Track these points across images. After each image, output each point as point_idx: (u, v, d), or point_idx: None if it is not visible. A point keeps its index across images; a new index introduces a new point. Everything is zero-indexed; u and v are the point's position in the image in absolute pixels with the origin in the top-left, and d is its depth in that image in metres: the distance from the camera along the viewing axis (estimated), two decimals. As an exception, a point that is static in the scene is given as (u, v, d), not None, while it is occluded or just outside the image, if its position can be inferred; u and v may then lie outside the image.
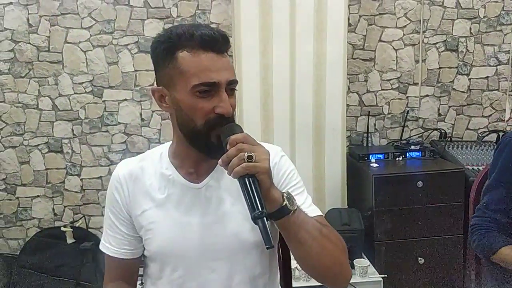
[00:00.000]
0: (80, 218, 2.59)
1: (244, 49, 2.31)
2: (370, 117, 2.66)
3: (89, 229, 2.62)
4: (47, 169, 2.58)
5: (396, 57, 2.64)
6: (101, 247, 1.10)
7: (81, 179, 2.60)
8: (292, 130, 2.45)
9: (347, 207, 2.51)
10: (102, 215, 2.57)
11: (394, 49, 2.63)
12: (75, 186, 2.60)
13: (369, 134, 2.67)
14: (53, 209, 2.63)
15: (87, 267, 2.50)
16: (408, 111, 2.69)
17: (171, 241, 1.01)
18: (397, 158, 2.46)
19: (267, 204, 0.85)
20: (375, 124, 2.71)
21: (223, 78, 0.93)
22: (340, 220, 2.30)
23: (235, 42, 2.30)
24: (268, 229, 0.81)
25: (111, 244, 1.08)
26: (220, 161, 0.87)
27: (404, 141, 2.61)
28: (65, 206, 2.63)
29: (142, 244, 1.07)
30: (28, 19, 2.42)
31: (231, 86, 0.96)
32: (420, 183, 2.21)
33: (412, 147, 2.48)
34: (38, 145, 2.55)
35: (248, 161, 0.84)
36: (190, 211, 1.02)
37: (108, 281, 1.11)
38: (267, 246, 0.80)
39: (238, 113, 2.38)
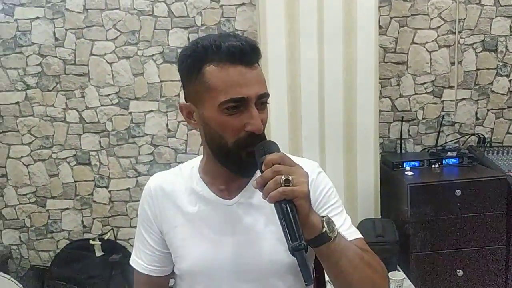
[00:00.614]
0: (109, 231, 2.63)
1: (270, 56, 2.29)
2: (403, 122, 2.59)
3: (117, 241, 2.67)
4: (75, 181, 2.64)
5: (430, 59, 2.56)
6: (131, 262, 1.09)
7: (109, 191, 2.64)
8: (322, 138, 2.41)
9: (380, 217, 2.45)
10: (131, 227, 2.65)
11: (427, 51, 2.55)
12: (103, 198, 2.65)
13: (402, 141, 2.60)
14: (82, 221, 2.68)
15: (116, 279, 2.54)
16: (443, 115, 2.61)
17: (203, 259, 0.99)
18: (433, 166, 2.39)
19: (305, 231, 0.81)
20: (409, 130, 2.64)
21: (252, 92, 0.89)
22: (373, 232, 2.25)
23: (260, 49, 2.28)
24: (307, 262, 0.76)
25: (142, 260, 1.07)
26: (254, 183, 0.83)
27: (440, 147, 2.53)
28: (93, 218, 2.68)
29: (171, 260, 1.06)
30: (54, 33, 2.48)
31: (262, 100, 0.92)
32: (458, 192, 2.13)
33: (449, 153, 2.40)
34: (67, 157, 2.61)
35: (285, 185, 0.79)
36: (221, 228, 1.00)
37: None
38: (306, 283, 0.75)
39: (265, 122, 2.36)
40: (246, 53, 0.89)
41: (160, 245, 1.06)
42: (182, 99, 2.50)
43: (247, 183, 1.00)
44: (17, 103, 2.54)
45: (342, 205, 1.03)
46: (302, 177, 0.81)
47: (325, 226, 0.83)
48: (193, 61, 0.92)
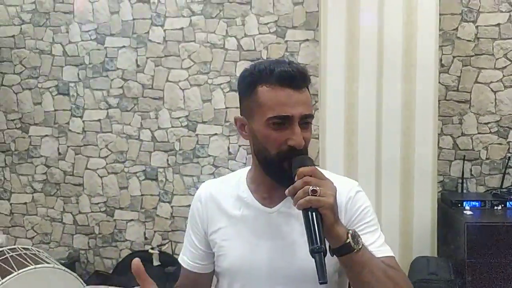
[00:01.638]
0: (167, 242, 2.87)
1: (329, 88, 2.46)
2: (465, 161, 2.62)
3: (174, 255, 2.89)
4: (142, 195, 2.94)
5: (495, 99, 2.59)
6: (179, 259, 1.25)
7: (172, 206, 2.91)
8: (378, 170, 2.50)
9: (436, 256, 2.46)
10: (188, 243, 2.86)
11: (492, 91, 2.59)
12: (166, 212, 2.92)
13: (464, 180, 2.62)
14: (145, 233, 2.95)
15: (172, 289, 2.75)
16: (510, 157, 2.60)
17: (241, 259, 1.11)
18: (495, 207, 2.37)
19: (330, 240, 0.92)
20: (471, 170, 2.65)
21: (297, 112, 1.03)
22: (427, 269, 2.26)
23: (320, 81, 2.48)
24: (324, 265, 0.87)
25: (187, 257, 1.23)
26: (287, 191, 0.96)
27: (505, 190, 2.51)
28: (155, 231, 2.94)
29: (213, 260, 1.21)
30: (137, 60, 2.86)
31: (305, 120, 1.05)
32: (519, 234, 2.12)
33: (514, 196, 2.38)
34: (137, 172, 2.93)
35: (312, 195, 0.90)
36: (261, 233, 1.11)
37: (179, 286, 1.24)
38: (320, 281, 0.86)
39: (320, 151, 2.51)
40: (294, 78, 1.04)
41: (203, 245, 1.20)
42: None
43: None
44: (99, 120, 2.93)
45: (378, 224, 1.11)
46: (329, 190, 0.93)
47: (350, 237, 0.93)
48: (250, 82, 1.09)
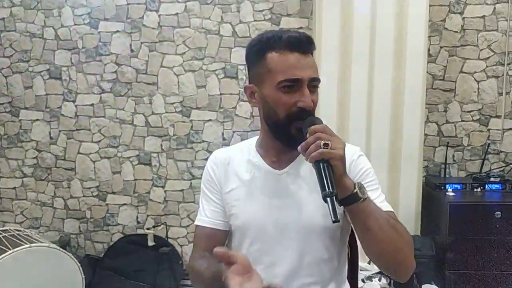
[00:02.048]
0: (163, 223, 2.94)
1: (323, 74, 2.56)
2: (448, 148, 2.79)
3: (168, 238, 2.98)
4: (135, 179, 3.00)
5: (478, 88, 2.77)
6: (196, 222, 1.30)
7: (165, 191, 2.98)
8: (368, 154, 2.59)
9: (419, 235, 2.63)
10: (181, 226, 2.96)
11: (476, 80, 2.77)
12: (159, 197, 2.99)
13: (447, 165, 2.79)
14: (137, 217, 3.02)
15: (163, 273, 2.81)
16: (489, 144, 2.79)
17: (252, 216, 1.21)
18: (475, 189, 2.56)
19: (339, 190, 1.00)
20: (453, 156, 2.83)
21: (306, 75, 1.11)
22: (412, 247, 2.43)
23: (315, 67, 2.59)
24: (336, 206, 0.96)
25: (207, 216, 1.28)
26: (299, 147, 1.04)
27: (484, 174, 2.70)
28: (148, 215, 3.01)
29: None
30: (131, 45, 2.90)
31: (313, 83, 1.14)
32: (498, 214, 2.30)
33: (492, 179, 2.57)
34: (130, 157, 2.99)
35: (324, 148, 0.99)
36: (271, 193, 1.21)
37: (196, 252, 1.27)
38: (333, 220, 0.95)
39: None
40: (302, 42, 1.13)
41: (222, 202, 1.27)
42: (238, 111, 2.86)
43: (295, 157, 1.22)
44: (92, 105, 2.96)
45: (379, 184, 1.21)
46: (339, 144, 1.02)
47: (357, 188, 1.03)
48: (258, 49, 1.16)
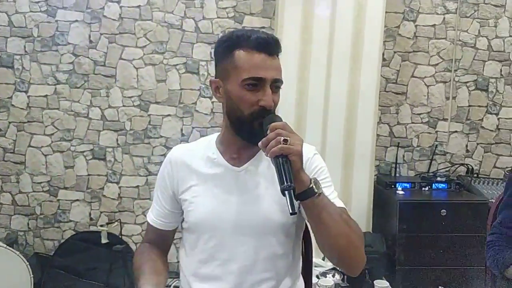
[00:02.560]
0: (117, 220, 2.89)
1: (282, 74, 2.65)
2: (399, 148, 2.94)
3: (122, 236, 2.93)
4: (89, 174, 2.93)
5: (428, 92, 2.94)
6: (147, 215, 1.39)
7: (120, 187, 2.94)
8: (323, 154, 2.70)
9: (371, 231, 2.75)
10: (136, 223, 2.92)
11: (425, 85, 2.94)
12: (113, 193, 2.94)
13: (397, 165, 2.94)
14: (90, 214, 2.96)
15: (116, 272, 2.75)
16: (436, 145, 2.97)
17: (209, 213, 1.23)
18: (423, 188, 2.71)
19: (296, 184, 1.04)
20: (404, 156, 2.99)
21: (269, 75, 1.16)
22: (363, 243, 2.54)
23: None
24: (294, 199, 1.02)
25: (153, 214, 1.36)
26: (260, 143, 1.08)
27: (431, 174, 2.87)
28: (101, 212, 2.95)
29: (177, 219, 1.33)
30: (89, 36, 2.85)
31: (276, 84, 1.19)
32: (443, 212, 2.45)
33: (439, 179, 2.73)
34: (84, 151, 2.92)
35: (283, 143, 1.04)
36: (229, 190, 1.24)
37: (145, 241, 1.40)
38: (290, 212, 1.01)
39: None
40: (270, 44, 1.18)
41: (169, 204, 1.32)
42: (198, 107, 2.87)
43: (255, 154, 1.25)
44: (46, 96, 2.88)
45: (332, 182, 1.27)
46: (298, 141, 1.08)
47: (313, 183, 1.08)
48: (227, 46, 1.20)
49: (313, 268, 1.76)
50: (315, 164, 1.27)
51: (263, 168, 1.25)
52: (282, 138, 1.05)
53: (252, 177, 1.26)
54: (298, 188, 1.06)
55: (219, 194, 1.25)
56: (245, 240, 1.22)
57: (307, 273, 1.46)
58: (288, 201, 1.02)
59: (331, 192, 1.24)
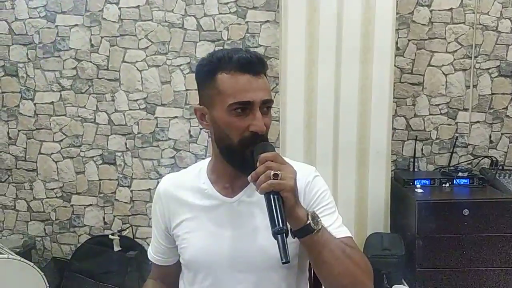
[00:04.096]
0: (128, 227, 2.78)
1: (290, 71, 2.43)
2: (417, 141, 2.68)
3: (135, 239, 2.81)
4: (100, 179, 2.81)
5: (446, 82, 2.66)
6: (147, 253, 1.29)
7: (131, 191, 2.80)
8: (335, 151, 2.51)
9: (389, 232, 2.53)
10: (149, 226, 2.79)
11: (443, 74, 2.65)
12: (125, 197, 2.81)
13: (415, 159, 2.69)
14: (104, 218, 2.84)
15: (131, 275, 2.67)
16: (457, 137, 2.69)
17: (204, 251, 1.11)
18: (443, 185, 2.46)
19: (292, 222, 0.93)
20: (422, 149, 2.72)
21: (257, 97, 1.02)
22: (381, 245, 2.33)
23: (281, 64, 2.44)
24: (286, 245, 0.87)
25: (152, 251, 1.26)
26: (249, 177, 0.96)
27: (452, 168, 2.61)
28: (114, 216, 2.84)
29: (175, 253, 1.20)
30: (90, 40, 2.68)
31: (266, 105, 1.05)
32: (466, 211, 2.20)
33: (460, 174, 2.47)
34: (93, 156, 2.79)
35: (274, 179, 0.91)
36: (223, 223, 1.11)
37: (150, 277, 1.30)
38: (282, 261, 0.86)
39: (281, 133, 2.49)
40: (253, 64, 1.04)
41: (164, 240, 1.21)
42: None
43: (248, 182, 1.09)
44: (52, 103, 2.74)
45: (335, 206, 1.13)
46: (290, 174, 0.94)
47: (310, 219, 0.94)
48: (208, 70, 1.06)
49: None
50: (316, 188, 1.12)
51: (258, 198, 1.07)
52: (272, 172, 0.92)
53: (246, 208, 1.11)
54: (294, 225, 0.94)
55: (212, 228, 1.11)
56: (243, 277, 1.09)
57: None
58: (280, 247, 0.87)
59: (334, 220, 1.08)
